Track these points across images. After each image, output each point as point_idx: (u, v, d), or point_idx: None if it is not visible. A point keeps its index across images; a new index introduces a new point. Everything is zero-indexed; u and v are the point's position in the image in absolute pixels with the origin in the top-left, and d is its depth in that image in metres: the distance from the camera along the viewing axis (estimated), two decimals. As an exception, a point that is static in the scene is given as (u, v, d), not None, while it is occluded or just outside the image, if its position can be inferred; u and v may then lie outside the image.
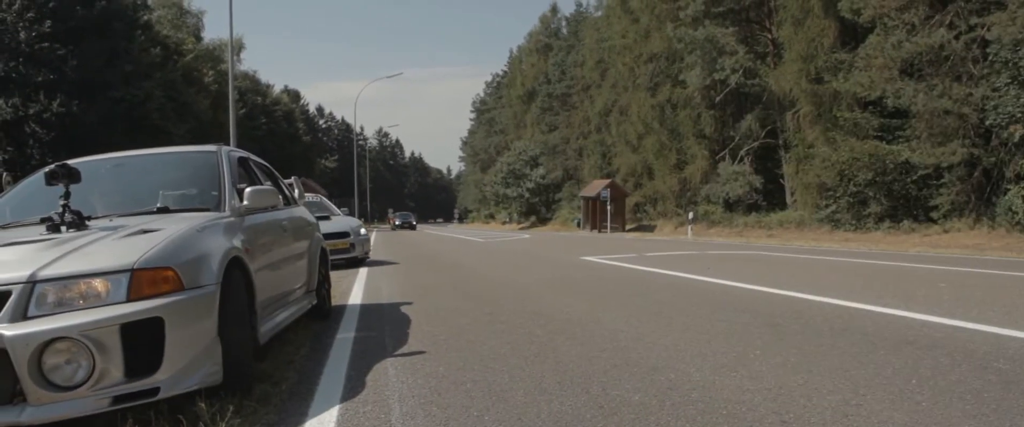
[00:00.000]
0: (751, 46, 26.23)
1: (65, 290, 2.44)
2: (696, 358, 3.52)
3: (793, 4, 21.84)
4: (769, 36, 25.76)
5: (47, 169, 3.25)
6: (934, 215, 17.28)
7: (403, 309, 5.76)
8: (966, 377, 3.00)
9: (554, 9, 64.23)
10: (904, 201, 18.25)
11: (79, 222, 3.03)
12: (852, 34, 20.61)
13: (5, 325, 2.33)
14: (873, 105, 18.84)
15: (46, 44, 23.57)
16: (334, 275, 7.00)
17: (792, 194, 24.24)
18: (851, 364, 3.29)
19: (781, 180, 25.75)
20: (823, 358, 3.43)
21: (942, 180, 17.09)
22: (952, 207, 16.78)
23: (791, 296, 5.89)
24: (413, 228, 48.44)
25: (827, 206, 20.41)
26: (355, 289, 7.59)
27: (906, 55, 16.63)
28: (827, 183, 20.02)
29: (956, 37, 15.93)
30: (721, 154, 27.67)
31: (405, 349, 4.01)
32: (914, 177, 17.65)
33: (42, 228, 3.03)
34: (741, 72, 24.99)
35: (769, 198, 26.15)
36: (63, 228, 2.98)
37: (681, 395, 2.86)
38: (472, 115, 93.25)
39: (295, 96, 70.53)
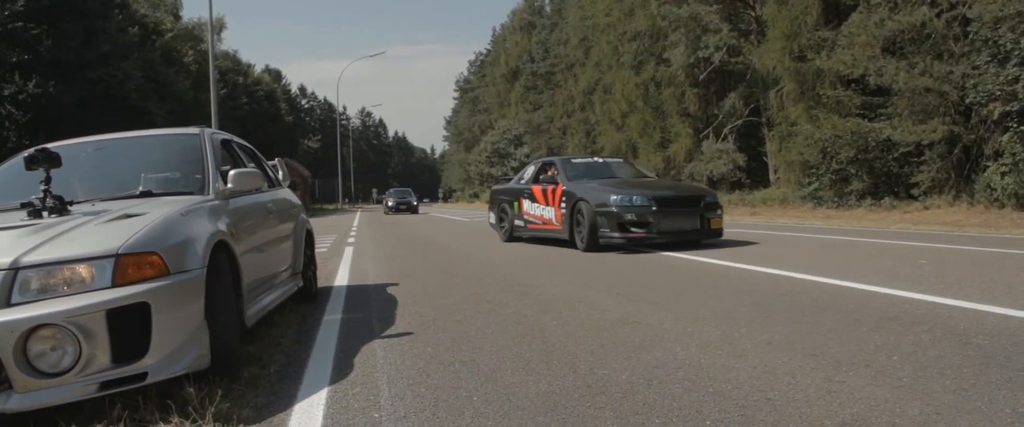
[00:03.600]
0: (735, 24, 26.18)
1: (49, 276, 2.41)
2: (682, 337, 3.55)
3: (777, -19, 21.80)
4: (752, 14, 25.73)
5: (27, 153, 3.19)
6: (915, 192, 17.46)
7: (389, 290, 5.77)
8: (946, 353, 3.06)
9: (537, -13, 63.76)
10: (885, 178, 18.40)
11: (61, 207, 2.99)
12: (835, 12, 20.63)
13: (-12, 312, 2.30)
14: (855, 83, 18.90)
15: (20, 23, 23.05)
16: (319, 257, 6.99)
17: (775, 172, 24.36)
18: (834, 341, 3.34)
19: (764, 158, 25.86)
20: (807, 336, 3.48)
21: (923, 157, 17.25)
22: (932, 184, 16.96)
23: (775, 274, 5.95)
24: (415, 211, 34.46)
25: (810, 184, 20.53)
26: (341, 271, 7.58)
27: (888, 33, 16.69)
28: (810, 161, 20.12)
29: (937, 15, 15.99)
30: (705, 132, 27.70)
31: (392, 330, 4.02)
32: (895, 154, 17.78)
33: (23, 213, 2.98)
34: (725, 50, 24.97)
35: (752, 176, 26.28)
36: (45, 213, 2.93)
37: (667, 373, 2.89)
38: (456, 94, 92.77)
39: (277, 76, 69.73)
